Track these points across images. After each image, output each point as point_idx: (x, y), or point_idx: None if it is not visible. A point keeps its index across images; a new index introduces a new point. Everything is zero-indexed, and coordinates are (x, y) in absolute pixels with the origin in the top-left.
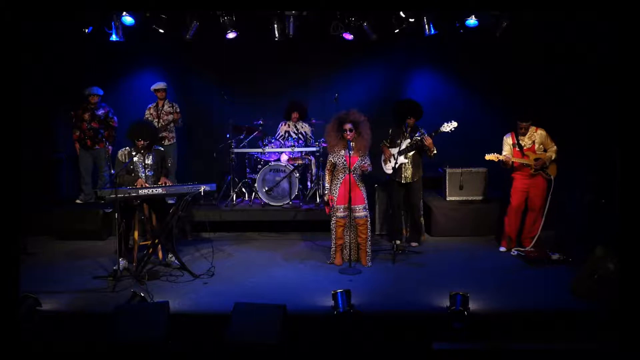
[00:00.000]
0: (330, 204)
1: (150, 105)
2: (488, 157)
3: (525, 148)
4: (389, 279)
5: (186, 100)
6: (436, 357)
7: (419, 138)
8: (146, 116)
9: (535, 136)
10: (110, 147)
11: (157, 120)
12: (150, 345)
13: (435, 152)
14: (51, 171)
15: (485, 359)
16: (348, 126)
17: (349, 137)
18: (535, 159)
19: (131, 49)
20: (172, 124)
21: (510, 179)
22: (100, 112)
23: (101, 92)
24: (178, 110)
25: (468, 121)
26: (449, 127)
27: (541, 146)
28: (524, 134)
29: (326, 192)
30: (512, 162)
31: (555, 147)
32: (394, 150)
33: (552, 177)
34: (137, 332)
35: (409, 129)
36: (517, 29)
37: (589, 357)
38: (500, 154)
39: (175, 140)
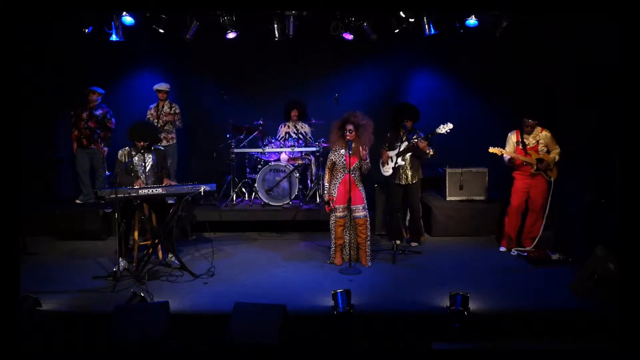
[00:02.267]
0: (332, 204)
1: (152, 106)
2: (492, 149)
3: (528, 147)
4: (389, 279)
5: (186, 100)
6: (436, 357)
7: (415, 140)
8: (148, 117)
9: (540, 137)
10: (105, 148)
11: (156, 120)
12: (150, 345)
13: (431, 153)
14: (51, 171)
15: (485, 359)
16: (349, 127)
17: (348, 137)
18: (539, 160)
19: (131, 49)
20: (169, 125)
21: (511, 179)
22: (98, 112)
23: (102, 92)
24: (177, 111)
25: (468, 121)
26: (444, 129)
27: (544, 147)
28: (530, 133)
29: (325, 191)
30: (515, 159)
31: (558, 149)
32: (392, 153)
33: (552, 180)
34: (137, 332)
35: (403, 132)
36: (517, 29)
37: (589, 357)
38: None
39: (175, 141)
